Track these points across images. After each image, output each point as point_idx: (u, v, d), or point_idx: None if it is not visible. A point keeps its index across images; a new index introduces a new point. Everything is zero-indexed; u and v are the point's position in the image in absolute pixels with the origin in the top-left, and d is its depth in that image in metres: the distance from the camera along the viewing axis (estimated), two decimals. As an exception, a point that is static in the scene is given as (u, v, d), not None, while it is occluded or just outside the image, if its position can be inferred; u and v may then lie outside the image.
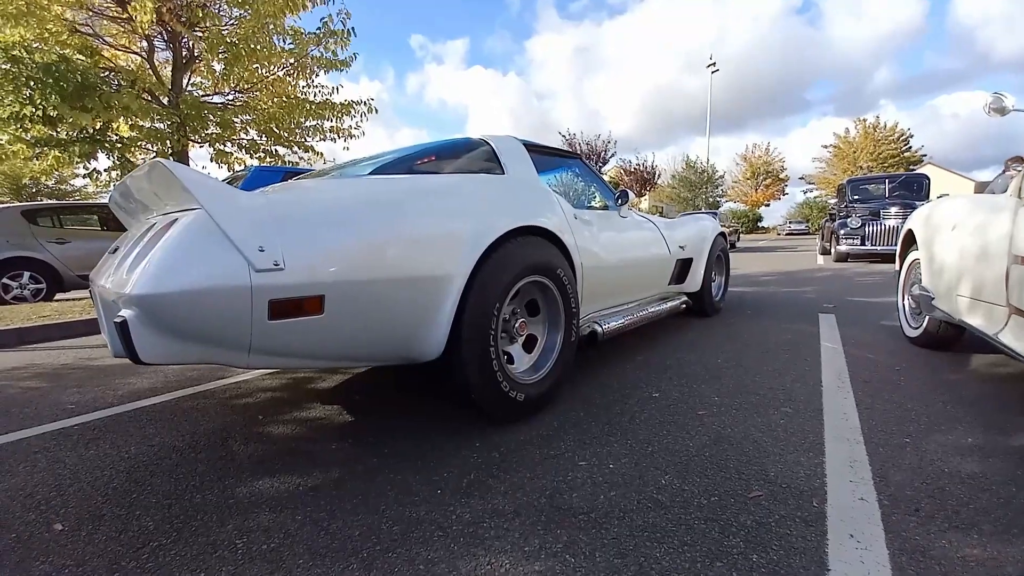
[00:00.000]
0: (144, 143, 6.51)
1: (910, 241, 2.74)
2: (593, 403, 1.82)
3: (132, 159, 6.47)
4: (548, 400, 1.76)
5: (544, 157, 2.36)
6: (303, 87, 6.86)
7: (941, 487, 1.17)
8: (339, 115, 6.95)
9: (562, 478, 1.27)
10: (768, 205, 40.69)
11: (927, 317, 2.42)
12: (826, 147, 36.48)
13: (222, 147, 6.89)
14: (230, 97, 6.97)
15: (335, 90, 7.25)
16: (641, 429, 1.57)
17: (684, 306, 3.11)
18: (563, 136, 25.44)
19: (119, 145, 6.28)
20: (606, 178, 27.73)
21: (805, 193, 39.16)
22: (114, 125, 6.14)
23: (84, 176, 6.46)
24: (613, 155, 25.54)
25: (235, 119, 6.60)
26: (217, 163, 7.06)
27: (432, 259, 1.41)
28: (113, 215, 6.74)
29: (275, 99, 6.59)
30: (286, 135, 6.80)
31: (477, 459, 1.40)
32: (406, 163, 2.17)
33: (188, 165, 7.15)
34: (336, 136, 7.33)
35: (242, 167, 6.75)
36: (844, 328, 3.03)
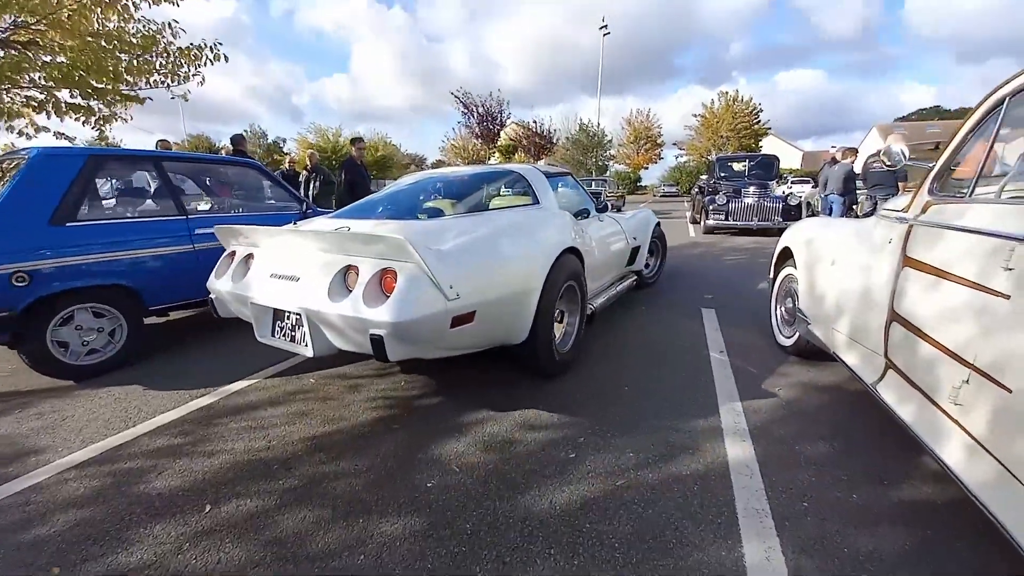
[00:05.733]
0: None
1: (785, 255, 2.95)
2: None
3: None
4: (573, 361, 2.59)
5: (551, 178, 3.09)
6: (118, 23, 5.22)
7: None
8: (174, 64, 5.50)
9: None
10: (647, 168, 43.96)
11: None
12: (695, 116, 40.01)
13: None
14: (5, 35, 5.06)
15: (168, 26, 5.65)
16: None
17: (635, 282, 3.96)
18: (456, 95, 24.19)
19: None
20: (504, 140, 26.80)
21: (677, 158, 42.99)
22: None
23: None
24: (508, 116, 25.04)
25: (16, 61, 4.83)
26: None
27: (526, 279, 2.12)
28: None
29: (77, 39, 4.91)
30: (96, 84, 5.18)
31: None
32: (473, 185, 3.08)
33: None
34: (170, 81, 5.78)
35: (25, 147, 5.08)
36: (726, 328, 3.24)
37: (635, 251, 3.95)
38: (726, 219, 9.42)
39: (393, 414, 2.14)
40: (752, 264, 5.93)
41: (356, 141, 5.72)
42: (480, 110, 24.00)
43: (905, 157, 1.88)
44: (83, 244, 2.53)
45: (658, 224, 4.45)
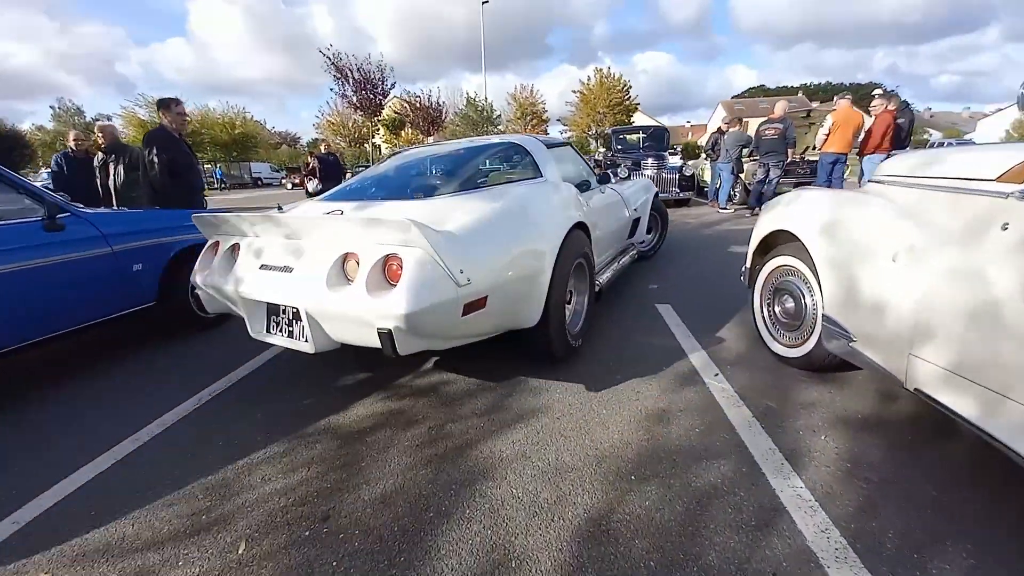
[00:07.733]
0: None
1: (775, 239, 2.34)
2: None
3: None
4: (581, 343, 2.44)
5: (550, 148, 2.91)
6: None
7: None
8: None
9: None
10: (535, 144, 44.11)
11: (813, 338, 2.05)
12: (575, 92, 40.81)
13: None
14: None
15: None
16: None
17: (637, 254, 3.72)
18: (325, 54, 21.06)
19: None
20: (388, 112, 24.39)
21: (561, 133, 43.77)
22: None
23: None
24: (393, 85, 22.63)
25: None
26: None
27: (537, 258, 1.98)
28: None
29: None
30: None
31: None
32: (469, 159, 2.85)
33: None
34: None
35: None
36: (700, 336, 2.60)
37: (635, 223, 3.79)
38: (628, 192, 9.22)
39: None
40: (669, 240, 5.56)
41: (169, 103, 3.90)
42: (356, 75, 21.25)
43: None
44: None
45: (657, 194, 4.29)
